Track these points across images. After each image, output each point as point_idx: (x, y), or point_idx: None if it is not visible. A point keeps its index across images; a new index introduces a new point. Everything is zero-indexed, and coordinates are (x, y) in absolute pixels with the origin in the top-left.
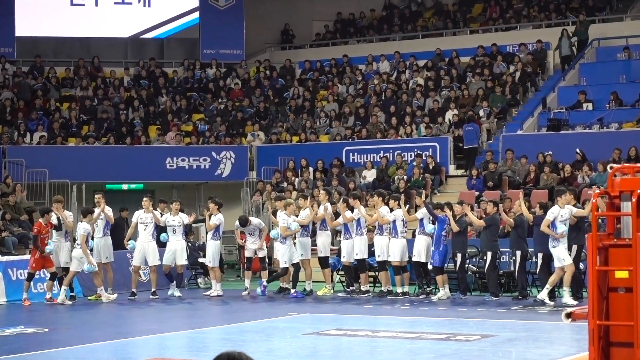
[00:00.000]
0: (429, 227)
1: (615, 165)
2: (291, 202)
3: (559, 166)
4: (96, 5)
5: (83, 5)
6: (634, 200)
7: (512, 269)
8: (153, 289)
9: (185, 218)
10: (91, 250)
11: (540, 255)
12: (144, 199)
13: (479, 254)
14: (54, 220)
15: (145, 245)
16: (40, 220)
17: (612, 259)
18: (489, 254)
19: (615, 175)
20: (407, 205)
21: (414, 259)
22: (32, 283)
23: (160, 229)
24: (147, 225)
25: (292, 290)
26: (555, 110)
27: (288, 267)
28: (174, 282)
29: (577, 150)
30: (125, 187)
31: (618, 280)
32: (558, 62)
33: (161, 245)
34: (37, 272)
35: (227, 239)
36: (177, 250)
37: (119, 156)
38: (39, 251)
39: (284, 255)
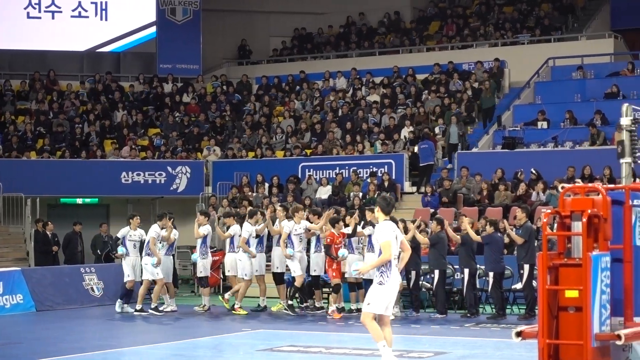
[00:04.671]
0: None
1: (566, 185)
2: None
3: (512, 184)
4: (53, 18)
5: (39, 18)
6: (584, 220)
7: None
8: (154, 304)
9: (144, 234)
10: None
11: (491, 273)
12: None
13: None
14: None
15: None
16: (333, 230)
17: (563, 279)
18: (437, 272)
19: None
20: (362, 222)
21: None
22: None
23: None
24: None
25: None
26: (510, 128)
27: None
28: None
29: (532, 170)
30: (79, 201)
31: (568, 300)
32: (514, 80)
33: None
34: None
35: (182, 254)
36: (136, 266)
37: (74, 170)
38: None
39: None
